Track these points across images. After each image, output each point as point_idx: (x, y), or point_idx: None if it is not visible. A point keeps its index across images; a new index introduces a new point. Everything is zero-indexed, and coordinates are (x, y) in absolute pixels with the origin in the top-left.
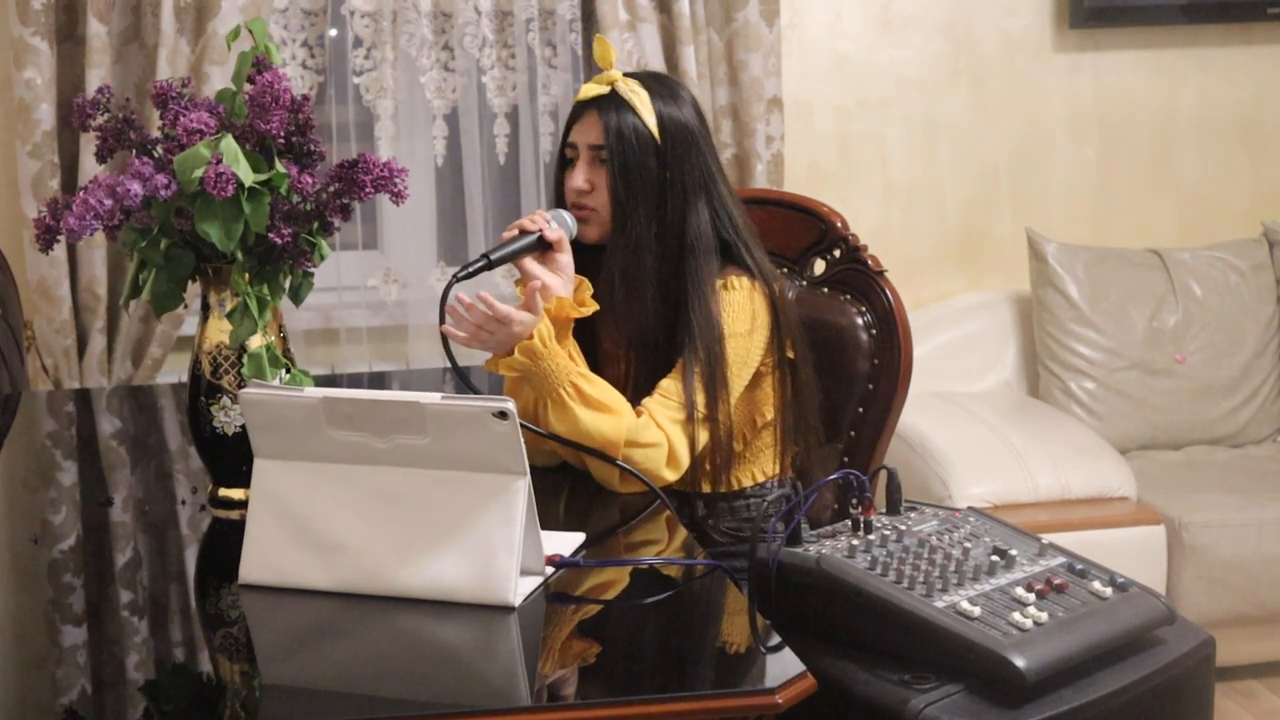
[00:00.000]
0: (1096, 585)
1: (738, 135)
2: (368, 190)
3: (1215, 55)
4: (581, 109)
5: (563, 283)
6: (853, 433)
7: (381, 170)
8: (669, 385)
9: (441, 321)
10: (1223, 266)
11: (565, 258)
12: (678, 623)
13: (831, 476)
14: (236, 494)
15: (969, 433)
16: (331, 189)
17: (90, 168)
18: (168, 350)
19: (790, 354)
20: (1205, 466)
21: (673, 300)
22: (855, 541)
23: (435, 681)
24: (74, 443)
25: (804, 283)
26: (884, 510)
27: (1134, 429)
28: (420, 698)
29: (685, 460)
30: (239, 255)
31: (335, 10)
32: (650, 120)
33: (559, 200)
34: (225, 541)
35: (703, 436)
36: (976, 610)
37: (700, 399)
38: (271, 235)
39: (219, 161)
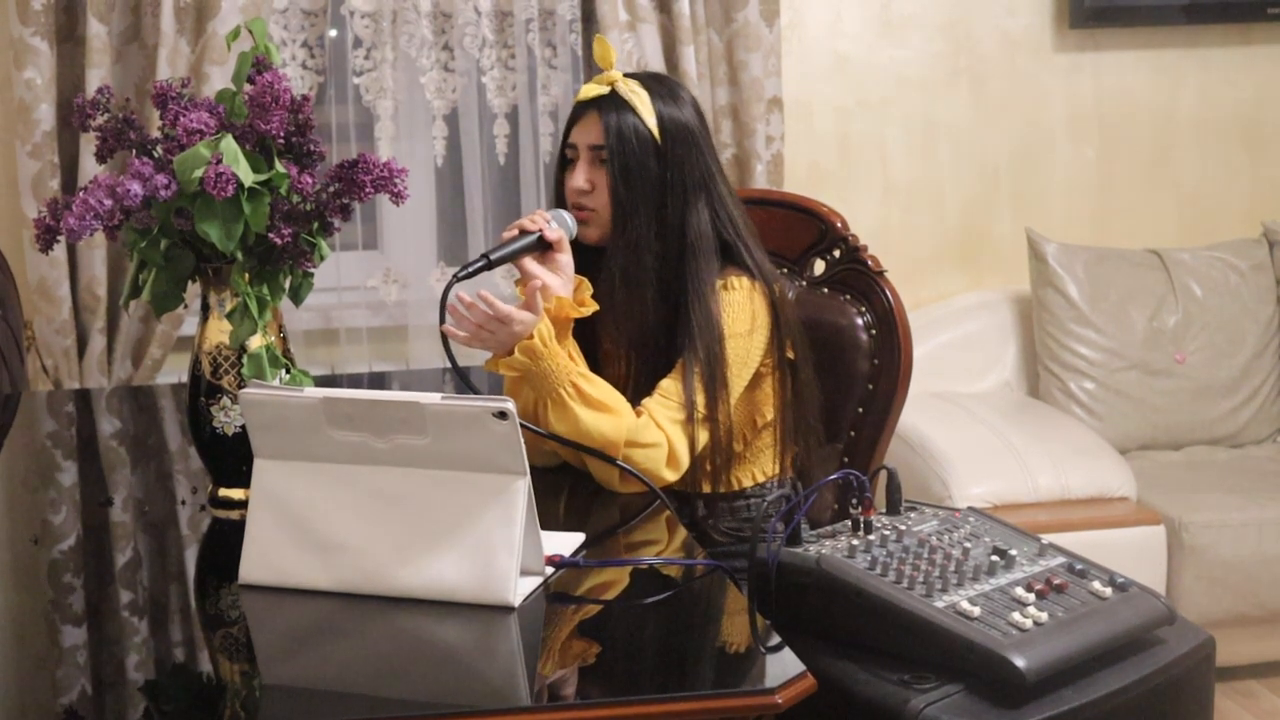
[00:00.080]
0: (1096, 585)
1: (738, 135)
2: (368, 190)
3: (1215, 55)
4: (582, 109)
5: (563, 283)
6: (853, 433)
7: (381, 170)
8: (669, 385)
9: (442, 321)
10: (1223, 267)
11: (565, 258)
12: (678, 623)
13: (831, 476)
14: (236, 494)
15: (969, 433)
16: (331, 189)
17: (90, 168)
18: (168, 350)
19: (790, 354)
20: (1205, 466)
21: (673, 300)
22: (855, 541)
23: (435, 681)
24: (74, 443)
25: (804, 283)
26: (884, 510)
27: (1134, 429)
28: (420, 698)
29: (685, 460)
30: (239, 255)
31: (335, 10)
32: (650, 121)
33: (559, 200)
34: (225, 541)
35: (703, 437)
36: (976, 610)
37: (700, 399)
38: (271, 235)
39: (219, 161)
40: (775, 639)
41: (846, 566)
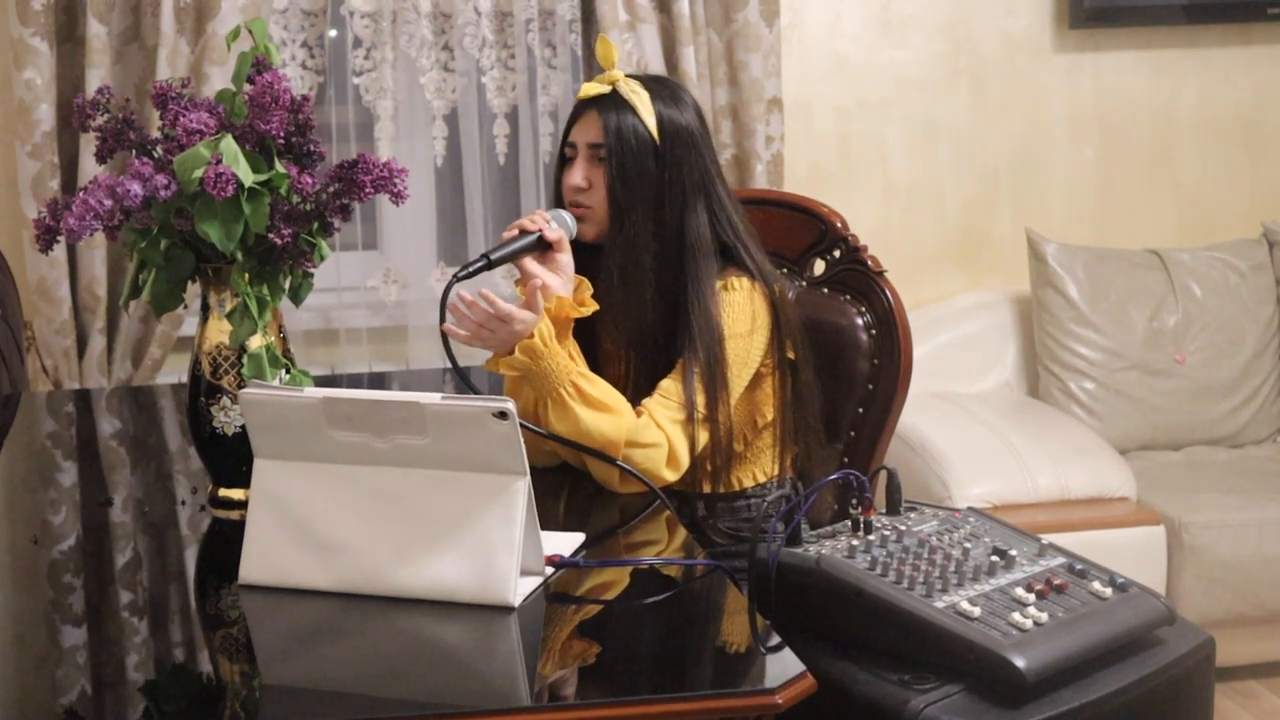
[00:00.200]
0: (1096, 585)
1: (737, 135)
2: (367, 190)
3: (1215, 55)
4: (582, 108)
5: (563, 282)
6: (853, 433)
7: (381, 170)
8: (669, 385)
9: (442, 321)
10: (1222, 267)
11: (565, 257)
12: (678, 623)
13: (831, 477)
14: (236, 494)
15: (969, 433)
16: (331, 189)
17: (90, 168)
18: (168, 350)
19: (791, 355)
20: (1205, 467)
21: (672, 301)
22: (855, 542)
23: (435, 681)
24: (74, 443)
25: (804, 283)
26: (884, 510)
27: (1134, 429)
28: (420, 698)
29: (685, 461)
30: (239, 255)
31: (335, 11)
32: (650, 121)
33: (559, 200)
34: (225, 541)
35: (703, 437)
36: (976, 610)
37: (700, 399)
38: (271, 235)
39: (219, 162)
40: (775, 639)
41: (846, 567)
